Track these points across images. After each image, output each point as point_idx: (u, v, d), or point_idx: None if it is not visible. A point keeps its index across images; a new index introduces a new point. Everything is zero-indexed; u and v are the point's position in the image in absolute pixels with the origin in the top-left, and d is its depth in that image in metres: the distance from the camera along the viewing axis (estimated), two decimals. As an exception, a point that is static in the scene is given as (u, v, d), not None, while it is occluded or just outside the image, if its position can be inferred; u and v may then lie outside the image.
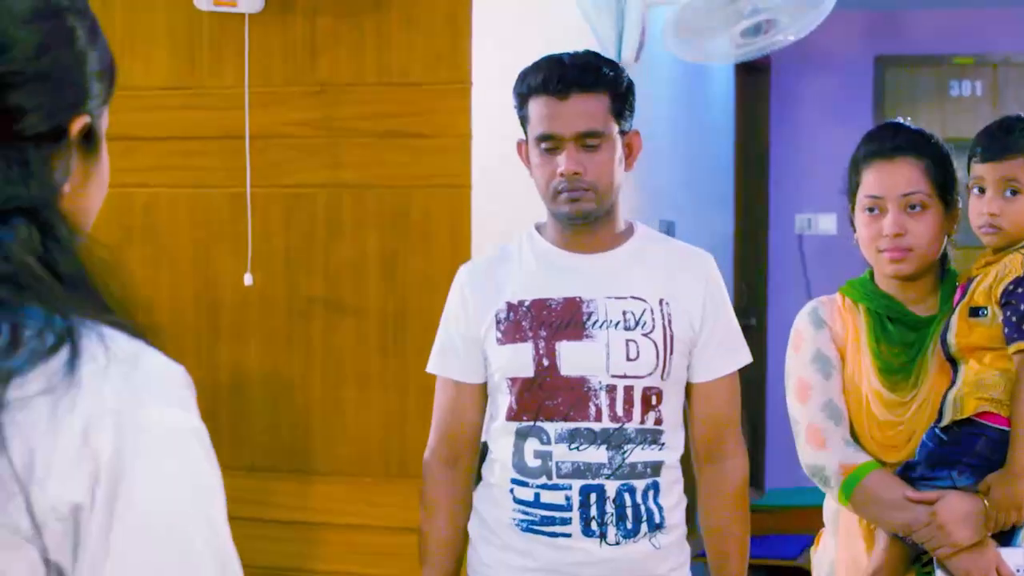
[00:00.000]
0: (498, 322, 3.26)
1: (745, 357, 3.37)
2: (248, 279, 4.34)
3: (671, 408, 3.25)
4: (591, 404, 3.18)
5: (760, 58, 8.80)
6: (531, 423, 3.21)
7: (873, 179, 3.25)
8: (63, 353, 1.31)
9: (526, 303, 3.24)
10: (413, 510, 3.54)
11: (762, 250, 9.18)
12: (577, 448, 3.18)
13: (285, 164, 4.36)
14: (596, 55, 3.28)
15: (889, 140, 3.29)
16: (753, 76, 8.99)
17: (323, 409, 4.35)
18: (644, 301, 3.23)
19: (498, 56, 4.31)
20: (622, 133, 3.24)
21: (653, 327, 3.21)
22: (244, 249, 4.36)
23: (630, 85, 3.27)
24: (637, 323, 3.21)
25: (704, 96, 7.97)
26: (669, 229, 6.58)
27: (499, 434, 3.29)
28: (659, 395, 3.22)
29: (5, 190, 1.36)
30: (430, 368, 3.40)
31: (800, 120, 9.21)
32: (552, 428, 3.19)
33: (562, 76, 3.18)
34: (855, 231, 3.33)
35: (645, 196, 6.16)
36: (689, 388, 3.32)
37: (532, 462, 3.22)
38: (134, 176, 4.47)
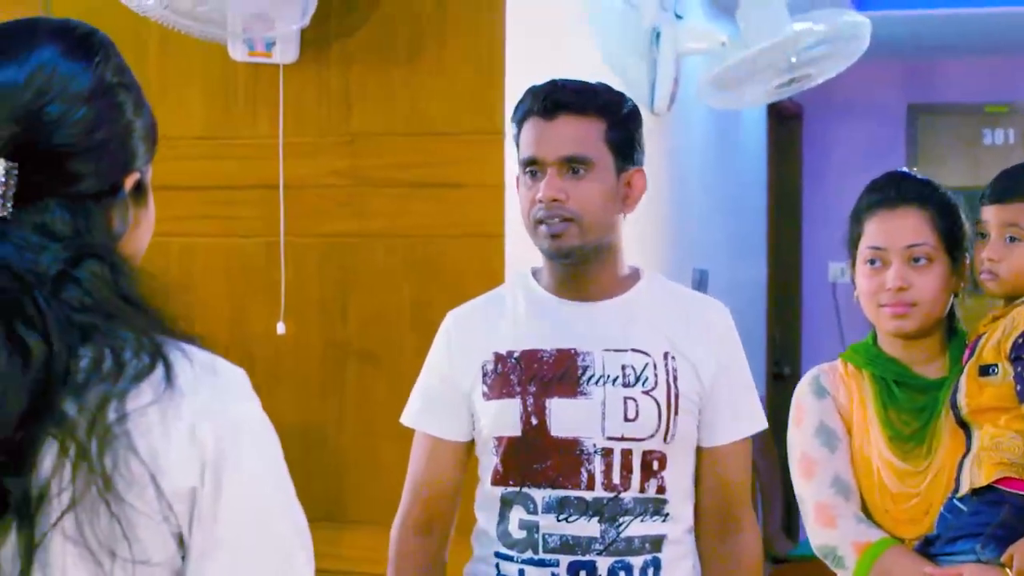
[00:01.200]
0: (484, 375, 2.94)
1: (760, 423, 3.03)
2: (281, 328, 4.35)
3: (677, 475, 2.91)
4: (583, 470, 2.84)
5: (793, 106, 8.82)
6: (516, 488, 2.88)
7: (875, 230, 3.09)
8: (160, 368, 1.61)
9: (515, 354, 2.91)
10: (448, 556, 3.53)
11: (795, 298, 9.16)
12: (566, 519, 2.84)
13: (319, 214, 4.38)
14: (602, 84, 3.01)
15: (893, 189, 3.13)
16: (786, 124, 8.99)
17: (356, 457, 4.35)
18: (647, 355, 2.89)
19: (531, 106, 4.32)
20: (621, 168, 2.91)
21: (656, 384, 2.87)
22: (277, 298, 4.37)
23: (633, 116, 2.96)
24: (638, 379, 2.87)
25: (737, 144, 7.97)
26: (702, 278, 6.58)
27: (485, 500, 2.97)
28: (662, 460, 2.88)
29: (75, 241, 1.63)
30: (405, 420, 3.10)
31: (833, 168, 9.21)
32: (539, 495, 2.85)
33: (551, 95, 2.90)
34: (855, 287, 3.13)
35: (678, 245, 6.15)
36: (697, 453, 2.99)
37: (517, 533, 2.88)
38: (169, 225, 4.48)
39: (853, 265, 3.17)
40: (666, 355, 2.90)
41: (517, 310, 2.99)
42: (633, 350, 2.90)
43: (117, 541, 1.55)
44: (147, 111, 1.83)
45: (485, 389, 2.93)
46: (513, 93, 4.18)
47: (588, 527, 2.84)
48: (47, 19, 1.88)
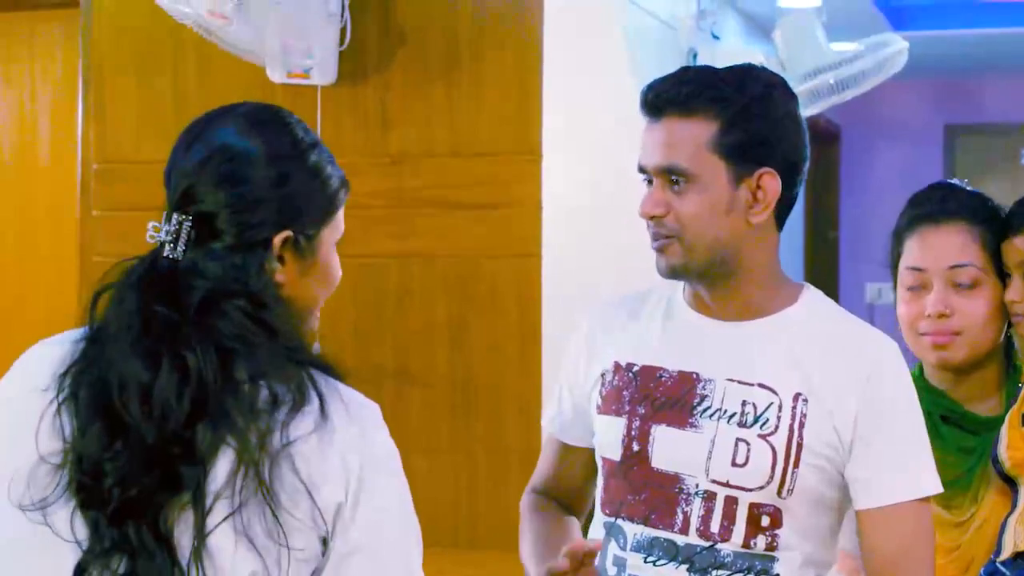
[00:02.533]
0: (602, 384, 2.61)
1: (926, 487, 2.47)
2: (316, 348, 4.35)
3: (798, 535, 2.47)
4: (679, 510, 2.47)
5: (831, 126, 8.80)
6: (612, 519, 2.55)
7: (916, 248, 2.73)
8: (315, 402, 1.99)
9: (635, 368, 2.56)
10: (482, 579, 3.53)
11: (832, 320, 9.12)
12: (653, 562, 2.50)
13: (355, 234, 4.35)
14: (739, 69, 2.54)
15: (936, 203, 2.76)
16: (823, 145, 8.98)
17: (392, 478, 4.35)
18: (774, 393, 2.46)
19: (567, 126, 4.33)
20: (742, 174, 2.46)
21: (776, 428, 2.44)
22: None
23: (762, 110, 2.47)
24: (756, 420, 2.45)
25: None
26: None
27: (595, 524, 2.65)
28: (775, 516, 2.45)
29: (222, 281, 1.98)
30: (543, 420, 2.83)
31: (870, 188, 9.19)
32: (631, 531, 2.52)
33: (656, 90, 2.50)
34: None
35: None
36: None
37: (610, 569, 2.55)
38: (206, 245, 4.51)
39: (895, 288, 2.83)
40: (797, 396, 2.46)
41: (654, 319, 2.62)
42: (760, 385, 2.48)
43: (275, 538, 1.91)
44: (314, 180, 2.12)
45: (599, 401, 2.61)
46: (550, 113, 4.19)
47: (675, 574, 2.49)
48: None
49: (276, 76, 4.29)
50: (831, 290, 9.11)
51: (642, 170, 2.51)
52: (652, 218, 2.47)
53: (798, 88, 5.13)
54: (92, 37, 4.67)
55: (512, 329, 4.19)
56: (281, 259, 2.07)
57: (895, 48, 5.11)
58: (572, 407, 2.68)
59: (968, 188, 2.84)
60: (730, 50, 5.68)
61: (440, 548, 4.28)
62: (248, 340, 1.98)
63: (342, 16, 4.30)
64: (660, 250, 2.49)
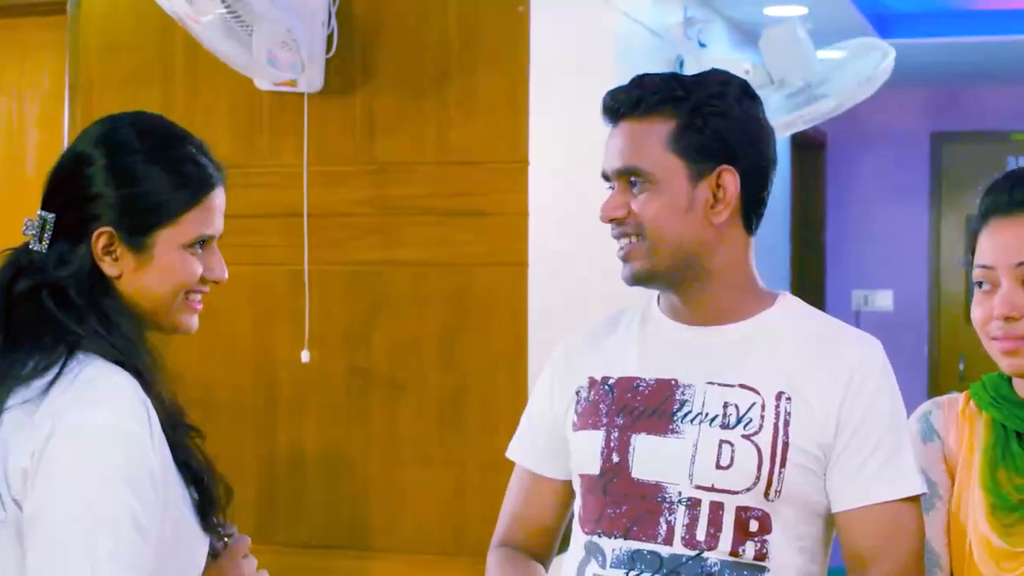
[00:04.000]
0: (577, 402, 2.53)
1: (911, 485, 2.38)
2: (305, 356, 4.36)
3: (787, 542, 2.38)
4: (662, 520, 2.37)
5: (817, 134, 8.81)
6: (590, 537, 2.45)
7: (985, 243, 2.41)
8: (50, 375, 2.07)
9: (611, 380, 2.49)
10: (471, 588, 3.53)
11: (819, 327, 9.12)
12: None
13: (343, 242, 4.39)
14: (698, 73, 2.52)
15: (1007, 192, 2.44)
16: (809, 153, 8.99)
17: (381, 486, 4.35)
18: (756, 392, 2.39)
19: (555, 135, 4.33)
20: (701, 173, 2.41)
21: (760, 428, 2.36)
22: (302, 326, 4.38)
23: (719, 107, 2.43)
24: (739, 420, 2.38)
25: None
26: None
27: (573, 547, 2.53)
28: (763, 520, 2.36)
29: (47, 273, 2.17)
30: (508, 452, 2.72)
31: (856, 196, 9.21)
32: (609, 547, 2.41)
33: (612, 97, 2.49)
34: None
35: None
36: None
37: None
38: (194, 254, 4.51)
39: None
40: (779, 395, 2.39)
41: (629, 332, 2.56)
42: (741, 386, 2.41)
43: None
44: (153, 181, 2.20)
45: (575, 418, 2.52)
46: (537, 122, 4.20)
47: None
48: None
49: (263, 83, 4.29)
50: (818, 297, 9.12)
51: (605, 177, 2.49)
52: (613, 220, 2.45)
53: (788, 115, 5.13)
54: (80, 46, 4.67)
55: (503, 338, 4.19)
56: (112, 254, 2.18)
57: (882, 52, 5.12)
58: (545, 435, 2.60)
59: None
60: (717, 58, 5.69)
61: (430, 556, 4.29)
62: (40, 323, 2.13)
63: (329, 23, 4.31)
64: (625, 257, 2.45)
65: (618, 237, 2.46)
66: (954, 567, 2.43)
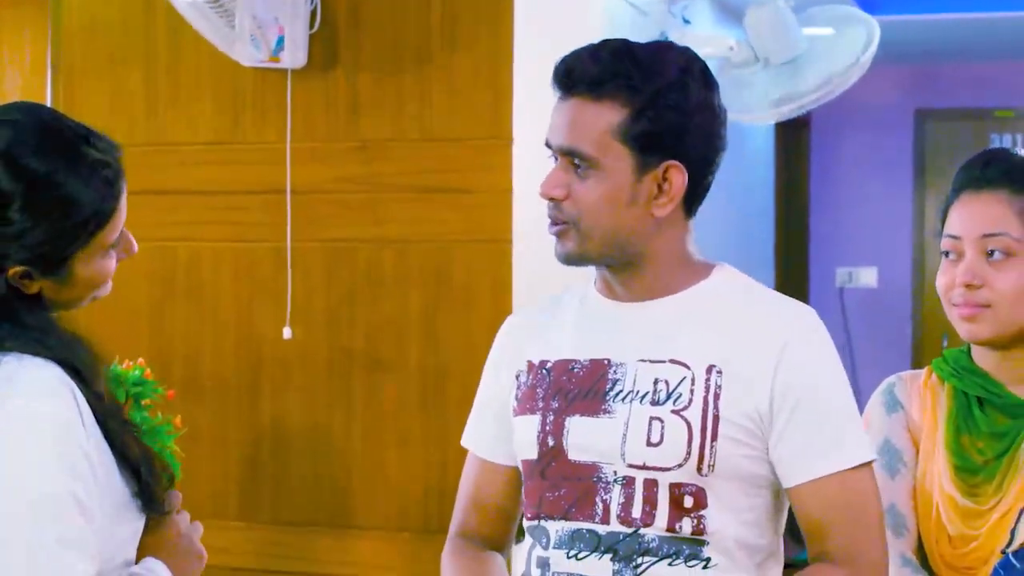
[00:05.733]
0: (518, 386, 2.50)
1: (858, 454, 2.34)
2: (287, 333, 4.36)
3: (727, 517, 2.34)
4: (598, 499, 2.36)
5: (800, 113, 8.81)
6: (535, 521, 2.43)
7: (954, 216, 2.55)
8: None
9: (548, 364, 2.46)
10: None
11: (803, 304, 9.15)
12: (575, 556, 2.37)
13: (326, 219, 4.38)
14: (656, 50, 2.39)
15: (979, 169, 2.57)
16: (793, 131, 8.99)
17: (363, 464, 4.35)
18: (686, 367, 2.34)
19: (539, 112, 4.31)
20: (647, 165, 2.33)
21: (690, 403, 2.32)
22: (284, 303, 4.37)
23: (677, 98, 2.33)
24: (669, 396, 2.33)
25: (744, 152, 7.97)
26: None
27: (525, 534, 2.52)
28: (698, 496, 2.32)
29: None
30: (462, 439, 2.69)
31: (840, 174, 9.21)
32: (552, 528, 2.39)
33: (568, 65, 2.37)
34: None
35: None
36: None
37: (534, 572, 2.43)
38: (176, 230, 4.50)
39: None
40: (710, 368, 2.33)
41: (568, 313, 2.51)
42: (671, 361, 2.36)
43: None
44: (46, 218, 2.09)
45: (515, 403, 2.49)
46: (521, 99, 4.19)
47: (599, 565, 2.35)
48: None
49: (246, 59, 4.28)
50: (801, 274, 9.14)
51: (548, 145, 2.40)
52: (551, 199, 2.36)
53: (775, 94, 5.12)
54: (62, 25, 4.65)
55: (485, 316, 4.19)
56: (30, 277, 2.12)
57: (866, 26, 5.11)
58: (492, 421, 2.56)
59: (1018, 155, 2.63)
60: (701, 35, 5.68)
61: (411, 533, 4.29)
62: None
63: (311, 0, 4.30)
64: (557, 235, 2.39)
65: (552, 216, 2.39)
66: (921, 529, 2.54)
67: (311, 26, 4.31)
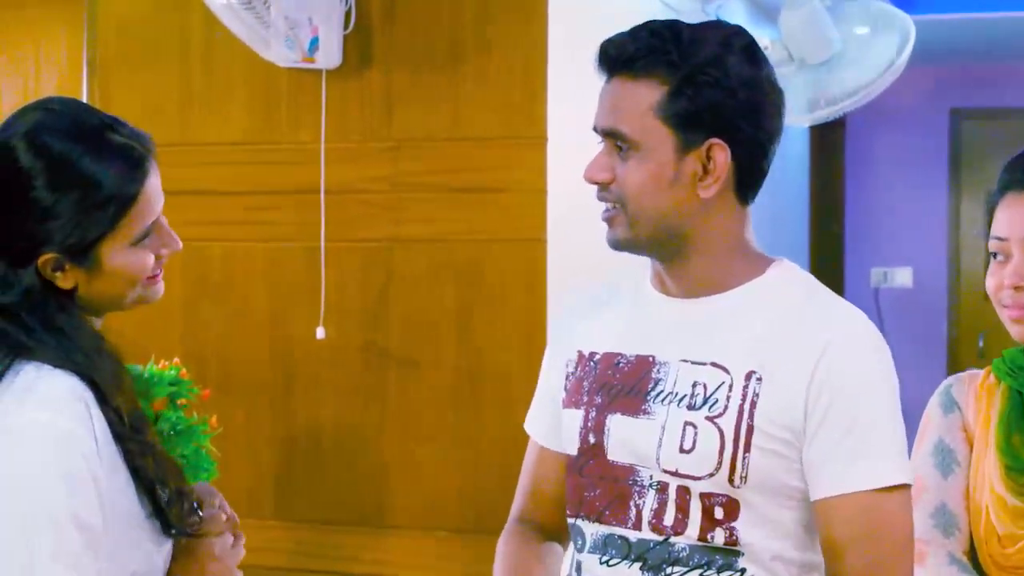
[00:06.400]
0: (567, 376, 2.44)
1: (889, 474, 2.19)
2: (320, 332, 4.36)
3: (762, 528, 2.23)
4: (631, 504, 2.28)
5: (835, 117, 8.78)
6: (573, 520, 2.38)
7: (1000, 216, 2.51)
8: None
9: (597, 356, 2.39)
10: (486, 563, 3.52)
11: (837, 304, 9.11)
12: (607, 562, 2.31)
13: (360, 219, 4.39)
14: (699, 28, 2.30)
15: (1021, 170, 2.54)
16: (827, 132, 8.96)
17: (397, 463, 4.35)
18: (725, 371, 2.24)
19: (573, 110, 4.32)
20: (689, 144, 2.25)
21: (725, 410, 2.22)
22: (318, 303, 4.38)
23: (718, 74, 2.24)
24: (705, 401, 2.24)
25: (779, 153, 7.96)
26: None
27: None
28: (730, 506, 2.22)
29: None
30: (525, 423, 2.63)
31: (875, 174, 9.18)
32: (588, 531, 2.34)
33: (609, 47, 2.31)
34: None
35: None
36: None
37: (572, 574, 2.39)
38: (210, 230, 4.51)
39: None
40: (750, 374, 2.22)
41: (621, 304, 2.43)
42: (712, 364, 2.26)
43: None
44: (74, 202, 2.10)
45: (564, 394, 2.43)
46: (555, 97, 4.18)
47: (628, 573, 2.28)
48: None
49: (280, 60, 4.29)
50: (836, 274, 9.11)
51: (594, 130, 2.34)
52: (595, 183, 2.31)
53: (810, 95, 5.10)
54: (97, 22, 4.67)
55: (519, 315, 4.18)
56: (62, 269, 2.13)
57: (900, 30, 5.09)
58: (549, 407, 2.50)
59: None
60: (735, 34, 5.66)
61: (445, 532, 4.29)
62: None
63: (346, 0, 4.30)
64: (607, 222, 2.32)
65: (600, 200, 2.33)
66: (972, 530, 2.49)
67: (346, 26, 4.31)
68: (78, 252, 2.12)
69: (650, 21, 2.31)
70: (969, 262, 9.05)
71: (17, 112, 2.18)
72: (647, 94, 2.24)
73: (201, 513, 2.25)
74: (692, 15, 5.25)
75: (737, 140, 2.27)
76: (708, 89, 2.23)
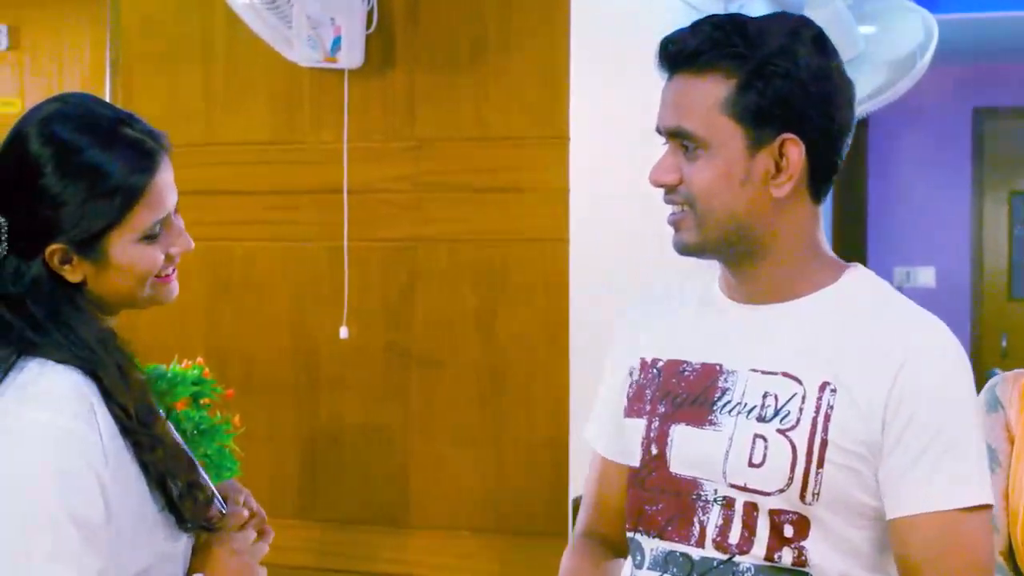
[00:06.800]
0: (629, 384, 2.32)
1: (972, 494, 2.06)
2: (344, 332, 4.36)
3: (832, 548, 2.12)
4: (695, 520, 2.16)
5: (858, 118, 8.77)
6: (632, 534, 2.26)
7: None
8: None
9: (660, 363, 2.27)
10: (508, 563, 3.53)
11: (860, 304, 9.10)
12: None
13: (382, 218, 4.39)
14: (765, 20, 2.20)
15: None
16: (850, 129, 8.95)
17: (419, 462, 4.35)
18: (798, 382, 2.12)
19: (595, 110, 4.32)
20: (761, 140, 2.13)
21: (797, 422, 2.10)
22: (341, 302, 4.38)
23: (788, 66, 2.12)
24: (776, 413, 2.12)
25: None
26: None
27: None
28: (800, 524, 2.10)
29: (6, 283, 2.11)
30: (586, 433, 2.49)
31: (898, 173, 9.16)
32: (648, 546, 2.23)
33: (668, 44, 2.19)
34: None
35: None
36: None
37: None
38: (233, 230, 4.51)
39: None
40: (824, 386, 2.11)
41: (685, 308, 2.32)
42: (784, 374, 2.14)
43: None
44: (81, 192, 2.10)
45: (625, 402, 2.30)
46: (577, 97, 4.18)
47: None
48: None
49: (303, 60, 4.29)
50: (858, 274, 9.08)
51: (658, 131, 2.21)
52: (662, 185, 2.18)
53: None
54: (121, 22, 4.68)
55: (540, 314, 4.18)
56: (69, 262, 2.12)
57: (922, 27, 5.07)
58: (608, 416, 2.37)
59: None
60: (758, 34, 5.65)
61: (468, 532, 4.29)
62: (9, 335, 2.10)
63: (368, 1, 4.30)
64: (674, 225, 2.18)
65: (667, 203, 2.19)
66: (1010, 530, 2.46)
67: (368, 26, 4.32)
68: (85, 243, 2.11)
69: (711, 15, 2.20)
70: (992, 262, 9.03)
71: (36, 105, 2.18)
72: (713, 89, 2.12)
73: (224, 508, 2.25)
74: (716, 13, 5.24)
75: (810, 134, 2.15)
76: (778, 81, 2.11)
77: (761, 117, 2.11)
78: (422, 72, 4.35)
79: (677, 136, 2.14)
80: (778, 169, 2.13)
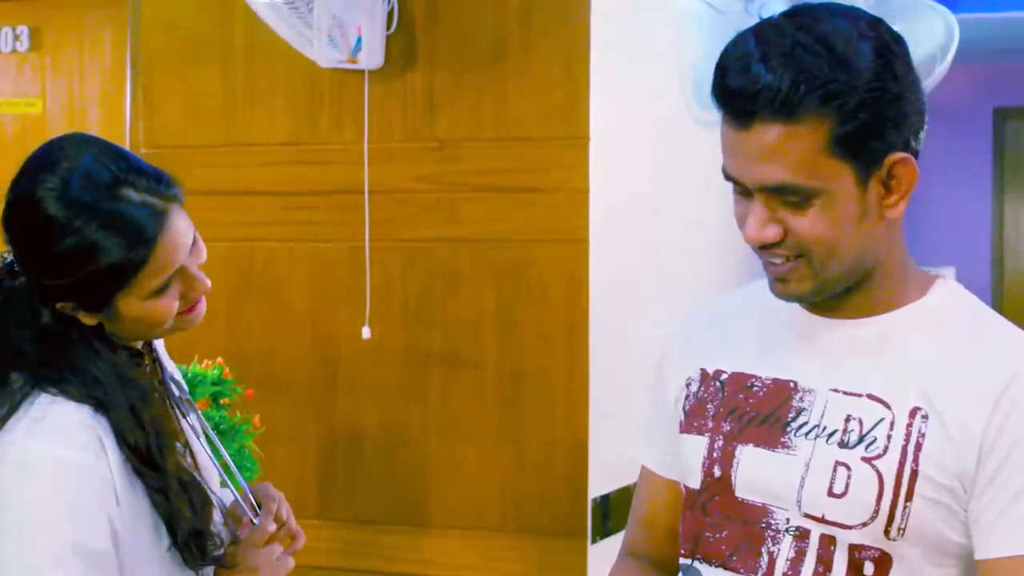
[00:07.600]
0: (687, 396, 2.17)
1: None
2: (366, 332, 4.37)
3: None
4: (763, 551, 2.00)
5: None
6: (689, 560, 2.10)
7: None
8: (4, 410, 2.06)
9: (724, 375, 2.12)
10: (528, 563, 3.53)
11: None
12: None
13: (403, 219, 4.39)
14: (839, 36, 1.90)
15: None
16: (870, 129, 8.95)
17: (439, 463, 4.35)
18: (886, 406, 1.95)
19: (615, 111, 4.32)
20: (871, 169, 1.94)
21: (885, 450, 1.93)
22: (362, 303, 4.38)
23: (884, 83, 1.89)
24: (861, 439, 1.94)
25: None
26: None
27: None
28: (882, 562, 1.94)
29: (12, 311, 2.16)
30: (633, 449, 2.36)
31: (919, 172, 9.15)
32: (708, 575, 2.07)
33: (743, 93, 1.90)
34: None
35: (751, 256, 6.10)
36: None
37: None
38: (253, 230, 4.52)
39: None
40: (914, 411, 1.94)
41: (749, 317, 2.17)
42: (869, 396, 1.97)
43: None
44: (83, 266, 2.10)
45: (682, 416, 2.16)
46: (598, 98, 4.18)
47: None
48: None
49: (324, 61, 4.30)
50: (879, 275, 9.07)
51: (730, 179, 1.99)
52: (766, 244, 1.98)
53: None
54: (141, 23, 4.68)
55: (561, 316, 4.18)
56: (79, 312, 2.15)
57: (944, 27, 5.06)
58: (659, 428, 2.24)
59: None
60: (778, 34, 5.64)
61: (488, 532, 4.29)
62: (11, 361, 2.13)
63: (388, 0, 4.31)
64: (782, 277, 2.00)
65: (773, 255, 2.00)
66: None
67: (388, 27, 4.32)
68: (94, 305, 2.15)
69: (764, 40, 1.95)
70: (1013, 263, 9.01)
71: (39, 160, 2.15)
72: (811, 134, 1.89)
73: (256, 517, 2.26)
74: (735, 14, 5.24)
75: (911, 143, 2.01)
76: (881, 104, 1.91)
77: (869, 147, 1.93)
78: (442, 72, 4.35)
79: (779, 193, 1.94)
80: (887, 190, 1.99)
